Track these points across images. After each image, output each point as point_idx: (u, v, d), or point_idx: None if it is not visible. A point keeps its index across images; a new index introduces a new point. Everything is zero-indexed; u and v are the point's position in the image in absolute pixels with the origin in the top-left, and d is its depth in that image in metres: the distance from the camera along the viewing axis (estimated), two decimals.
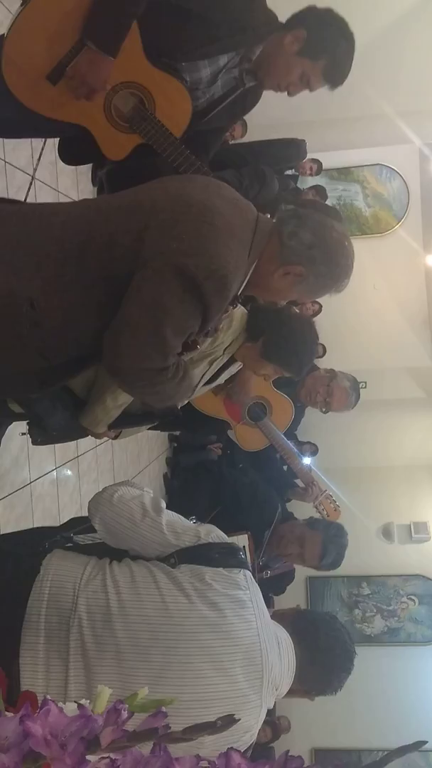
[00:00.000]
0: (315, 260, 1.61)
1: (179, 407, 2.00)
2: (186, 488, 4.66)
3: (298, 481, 3.46)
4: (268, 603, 1.53)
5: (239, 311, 2.15)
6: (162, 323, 1.47)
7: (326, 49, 2.01)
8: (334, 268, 1.65)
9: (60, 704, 0.75)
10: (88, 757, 0.70)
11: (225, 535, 1.53)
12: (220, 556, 1.43)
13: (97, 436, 2.09)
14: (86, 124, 2.03)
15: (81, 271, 1.50)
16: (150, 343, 1.48)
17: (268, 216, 1.69)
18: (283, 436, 3.13)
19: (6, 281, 1.50)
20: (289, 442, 3.27)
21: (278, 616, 1.59)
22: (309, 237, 1.60)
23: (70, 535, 1.56)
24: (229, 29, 1.96)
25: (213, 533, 1.50)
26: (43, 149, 3.24)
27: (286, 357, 2.25)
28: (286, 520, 3.11)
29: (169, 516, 1.51)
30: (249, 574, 1.46)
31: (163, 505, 1.53)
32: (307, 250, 1.60)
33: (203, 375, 2.17)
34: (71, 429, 1.98)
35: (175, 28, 1.94)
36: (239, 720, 0.68)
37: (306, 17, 2.03)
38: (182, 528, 1.49)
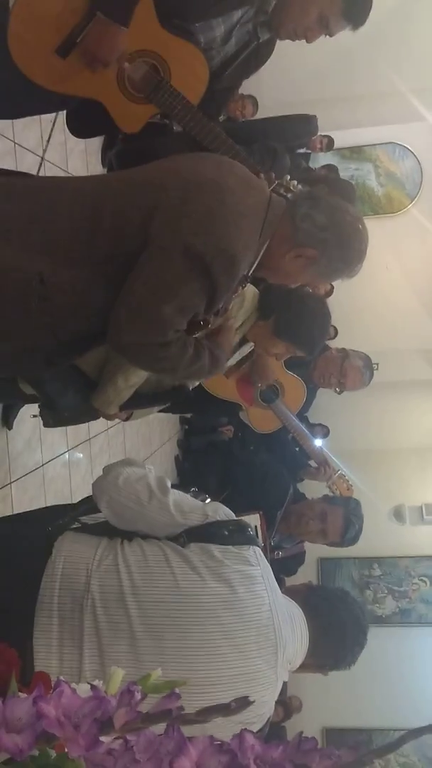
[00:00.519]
0: (328, 243, 1.59)
1: (190, 388, 2.00)
2: (197, 469, 4.67)
3: (311, 462, 3.46)
4: (280, 584, 1.53)
5: (251, 291, 2.14)
6: (163, 299, 1.46)
7: None
8: (347, 252, 1.63)
9: (73, 685, 0.75)
10: (101, 738, 0.70)
11: (232, 513, 1.53)
12: (229, 534, 1.43)
13: (109, 417, 2.09)
14: (99, 97, 1.95)
15: (91, 247, 1.50)
16: (149, 319, 1.48)
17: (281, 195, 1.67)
18: (295, 417, 3.12)
19: (16, 256, 1.49)
20: (301, 423, 3.26)
21: (290, 592, 1.60)
22: (323, 219, 1.58)
23: (76, 517, 1.56)
24: None
25: (220, 511, 1.50)
26: (52, 130, 3.21)
27: (298, 334, 2.25)
28: (298, 500, 3.12)
29: (176, 495, 1.50)
30: (258, 550, 1.46)
31: (169, 483, 1.53)
32: (321, 232, 1.58)
33: None
34: (83, 410, 1.98)
35: None
36: (254, 702, 0.68)
37: None
38: (189, 507, 1.48)
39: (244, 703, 0.67)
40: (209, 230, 1.45)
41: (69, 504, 1.73)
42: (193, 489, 1.61)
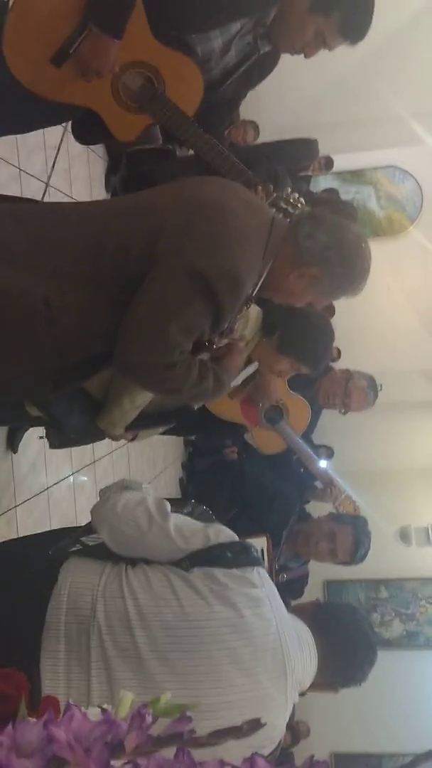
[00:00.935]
0: (331, 262, 1.60)
1: (195, 408, 2.00)
2: (202, 491, 4.64)
3: (318, 483, 3.44)
4: (286, 606, 1.52)
5: (255, 311, 2.15)
6: (168, 320, 1.47)
7: (338, 1, 1.89)
8: (350, 270, 1.64)
9: (83, 709, 0.74)
10: (112, 762, 0.70)
11: (234, 534, 1.51)
12: (233, 556, 1.42)
13: (114, 438, 2.10)
14: (94, 106, 1.97)
15: (96, 270, 1.51)
16: (154, 340, 1.48)
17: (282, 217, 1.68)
18: (300, 439, 3.12)
19: (21, 280, 1.50)
20: (305, 445, 3.26)
21: (298, 611, 1.58)
22: (325, 238, 1.60)
23: (77, 538, 1.56)
24: None
25: (222, 533, 1.49)
26: (57, 156, 3.26)
27: (302, 349, 2.26)
28: (303, 520, 3.10)
29: (177, 520, 1.49)
30: (263, 570, 1.45)
31: (168, 507, 1.52)
32: (323, 251, 1.60)
33: None
34: (88, 431, 1.99)
35: (181, 0, 1.86)
36: (265, 724, 0.68)
37: None
38: (191, 531, 1.47)
39: (255, 725, 0.67)
40: (213, 252, 1.47)
41: (71, 527, 1.73)
42: (201, 506, 1.60)
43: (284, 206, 1.83)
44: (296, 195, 1.88)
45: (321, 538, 2.92)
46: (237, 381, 2.34)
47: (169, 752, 0.74)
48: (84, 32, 1.78)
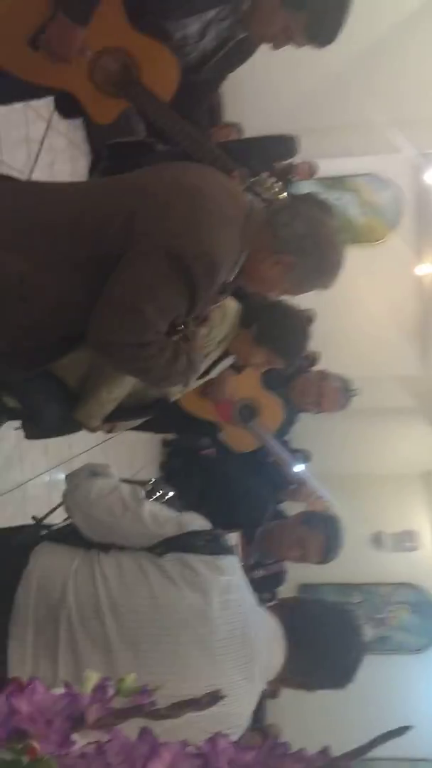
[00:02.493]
0: (306, 251, 1.63)
1: (171, 400, 2.00)
2: (178, 488, 4.62)
3: (290, 483, 3.47)
4: (262, 602, 1.53)
5: (233, 305, 2.17)
6: (144, 300, 1.48)
7: (308, 2, 1.90)
8: (324, 262, 1.67)
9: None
10: (75, 738, 0.70)
11: (208, 523, 1.53)
12: (205, 544, 1.43)
13: (91, 430, 2.09)
14: (71, 89, 2.01)
15: (72, 249, 1.52)
16: (130, 319, 1.49)
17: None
18: (273, 438, 3.14)
19: None
20: (277, 443, 3.27)
21: (276, 606, 1.59)
22: (302, 229, 1.63)
23: (45, 525, 1.56)
24: None
25: (196, 521, 1.50)
26: (40, 151, 3.26)
27: (279, 340, 2.29)
28: (277, 517, 3.10)
29: (150, 506, 1.50)
30: (234, 559, 1.47)
31: (142, 493, 1.53)
32: (299, 240, 1.62)
33: None
34: (65, 423, 1.98)
35: None
36: (226, 696, 0.69)
37: None
38: (164, 518, 1.49)
39: (214, 697, 0.68)
40: (190, 233, 1.48)
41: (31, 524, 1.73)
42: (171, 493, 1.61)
43: (260, 191, 1.86)
44: (272, 180, 1.90)
45: (291, 545, 2.92)
46: (214, 373, 2.36)
47: (131, 735, 0.75)
48: (53, 16, 1.82)
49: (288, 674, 1.51)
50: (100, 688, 0.70)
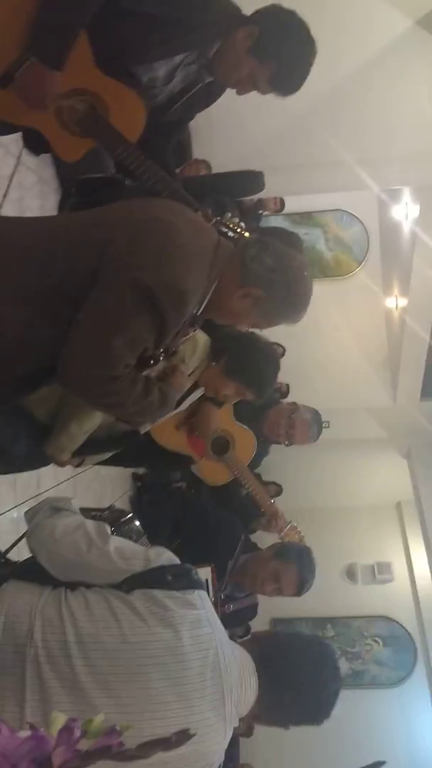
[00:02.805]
0: (274, 285, 1.65)
1: (142, 432, 1.99)
2: (148, 522, 4.57)
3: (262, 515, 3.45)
4: (233, 638, 1.50)
5: (203, 339, 2.18)
6: (112, 333, 1.48)
7: (275, 53, 1.93)
8: (293, 296, 1.69)
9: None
10: None
11: (176, 557, 1.50)
12: (174, 579, 1.41)
13: (61, 464, 2.07)
14: (38, 127, 2.00)
15: (41, 283, 1.51)
16: (98, 352, 1.49)
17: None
18: (247, 470, 3.13)
19: None
20: (252, 476, 3.26)
21: (248, 641, 1.56)
22: (271, 262, 1.65)
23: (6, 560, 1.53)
24: (181, 29, 1.92)
25: (163, 556, 1.48)
26: (8, 187, 3.26)
27: (248, 373, 2.29)
28: (249, 550, 3.08)
29: (117, 542, 1.48)
30: (204, 593, 1.44)
31: (108, 530, 1.51)
32: (269, 274, 1.64)
33: None
34: (35, 457, 1.96)
35: (124, 33, 1.89)
36: (195, 735, 0.67)
37: (264, 15, 1.97)
38: (131, 552, 1.47)
39: (184, 736, 0.66)
40: (158, 266, 1.49)
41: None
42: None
43: (224, 230, 1.88)
44: (236, 219, 1.93)
45: (266, 579, 2.90)
46: (183, 406, 2.35)
47: None
48: (26, 61, 1.79)
49: (262, 710, 1.47)
50: (66, 729, 0.68)
